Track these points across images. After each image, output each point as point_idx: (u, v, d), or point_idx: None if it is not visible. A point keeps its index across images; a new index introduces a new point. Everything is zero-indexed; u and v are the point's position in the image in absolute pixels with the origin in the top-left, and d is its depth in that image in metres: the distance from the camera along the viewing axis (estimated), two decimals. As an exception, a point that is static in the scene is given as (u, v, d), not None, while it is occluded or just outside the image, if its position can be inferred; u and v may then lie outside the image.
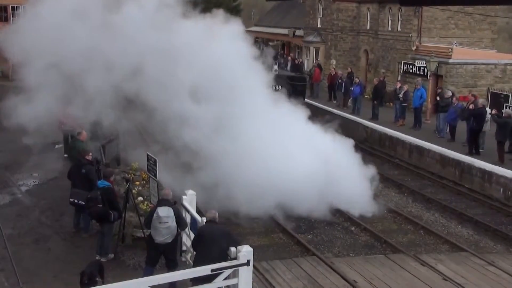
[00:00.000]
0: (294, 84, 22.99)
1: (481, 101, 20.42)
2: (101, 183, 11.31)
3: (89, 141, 14.78)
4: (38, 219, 13.41)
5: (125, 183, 12.11)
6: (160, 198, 10.16)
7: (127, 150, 17.17)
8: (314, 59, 37.57)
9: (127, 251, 11.64)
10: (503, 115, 19.03)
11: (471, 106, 19.89)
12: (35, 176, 16.80)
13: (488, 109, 20.70)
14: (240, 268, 8.27)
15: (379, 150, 23.62)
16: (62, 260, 11.24)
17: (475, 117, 19.61)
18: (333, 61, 35.72)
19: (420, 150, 21.69)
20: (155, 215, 9.73)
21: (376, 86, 26.90)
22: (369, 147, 24.14)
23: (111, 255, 11.35)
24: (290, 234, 14.05)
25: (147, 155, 12.46)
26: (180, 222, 9.88)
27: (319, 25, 38.37)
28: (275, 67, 22.56)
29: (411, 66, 30.26)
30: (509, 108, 19.72)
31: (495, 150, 19.16)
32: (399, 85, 25.92)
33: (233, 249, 8.47)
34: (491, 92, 27.64)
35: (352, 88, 27.99)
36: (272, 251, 13.25)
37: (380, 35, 34.27)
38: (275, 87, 20.60)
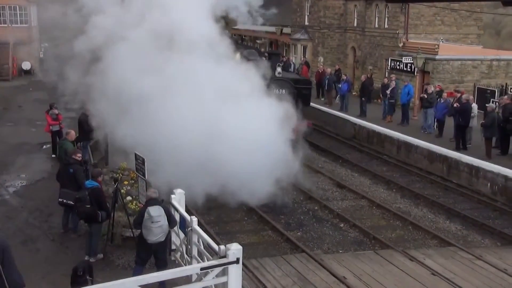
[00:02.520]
0: (299, 88, 21.05)
1: (464, 96, 20.56)
2: (89, 183, 11.28)
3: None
4: (26, 220, 13.36)
5: (113, 183, 12.08)
6: (148, 198, 10.12)
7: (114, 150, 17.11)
8: (302, 56, 37.64)
9: (116, 251, 11.63)
10: (487, 109, 19.17)
11: (455, 105, 20.02)
12: (22, 177, 16.73)
13: (474, 105, 20.86)
14: (230, 266, 8.27)
15: (367, 146, 23.72)
16: (51, 261, 11.20)
17: (461, 113, 19.76)
18: (321, 59, 35.81)
19: (408, 146, 21.80)
20: (146, 215, 9.70)
21: (363, 83, 27.00)
22: (357, 143, 24.25)
23: (100, 255, 11.33)
24: (280, 232, 14.08)
25: (135, 154, 12.43)
26: (171, 220, 9.90)
27: (306, 23, 38.44)
28: (279, 69, 20.72)
29: (398, 63, 30.42)
30: (493, 103, 19.85)
31: (482, 145, 19.33)
32: (393, 78, 26.16)
33: (222, 247, 8.47)
34: (477, 87, 27.88)
35: (340, 85, 28.09)
36: (262, 248, 13.27)
37: (367, 32, 34.39)
38: (279, 91, 19.46)
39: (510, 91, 25.24)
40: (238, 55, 23.61)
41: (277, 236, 14.00)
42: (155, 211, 9.64)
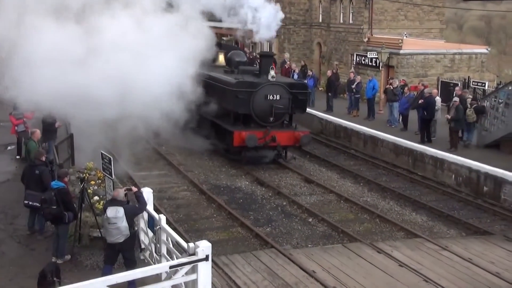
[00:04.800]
0: (294, 93, 19.39)
1: (427, 90, 20.92)
2: (55, 183, 11.12)
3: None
4: (-10, 223, 13.10)
5: (79, 183, 11.93)
6: (110, 198, 10.04)
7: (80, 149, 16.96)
8: (268, 53, 37.64)
9: (84, 252, 11.49)
10: (454, 103, 19.52)
11: (420, 101, 20.33)
12: (-14, 179, 16.38)
13: (438, 98, 21.22)
14: (199, 264, 8.27)
15: (334, 141, 23.93)
16: (17, 264, 11.01)
17: (425, 107, 20.10)
18: (287, 55, 35.93)
19: (374, 140, 22.07)
20: (104, 215, 9.66)
21: (329, 78, 27.21)
22: (324, 138, 24.44)
23: (68, 257, 11.18)
24: (249, 228, 14.12)
25: (101, 153, 12.30)
26: (130, 222, 9.73)
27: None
28: (272, 73, 18.92)
29: (363, 58, 30.73)
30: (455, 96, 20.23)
31: (446, 137, 19.71)
32: (353, 74, 26.39)
33: (191, 245, 8.46)
34: (441, 81, 28.37)
35: (306, 81, 28.23)
36: (231, 245, 13.29)
37: (333, 28, 34.65)
38: (272, 97, 18.82)
39: (472, 84, 25.79)
40: (221, 57, 23.05)
41: (246, 232, 14.03)
42: (112, 212, 9.53)
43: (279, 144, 18.99)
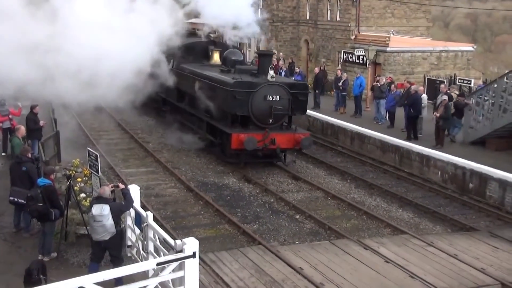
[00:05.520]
0: (295, 94, 18.56)
1: (413, 87, 21.05)
2: (42, 181, 11.06)
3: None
4: (-24, 221, 13.00)
5: (66, 180, 11.87)
6: (95, 196, 10.01)
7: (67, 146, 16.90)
8: (256, 49, 37.65)
9: (70, 249, 11.45)
10: (442, 102, 19.65)
11: (405, 101, 20.46)
12: (-30, 176, 16.25)
13: (424, 95, 21.34)
14: (186, 261, 8.26)
15: (322, 138, 23.97)
16: (3, 261, 10.94)
17: (411, 104, 20.22)
18: (274, 52, 35.92)
19: (361, 137, 22.15)
20: (89, 213, 9.63)
21: (317, 76, 27.29)
22: (312, 136, 24.41)
23: (54, 254, 11.14)
24: (236, 225, 14.13)
25: (88, 150, 12.27)
26: (116, 220, 9.69)
27: (259, 16, 38.46)
28: (271, 73, 18.08)
29: (350, 55, 30.83)
30: (441, 95, 20.39)
31: (432, 134, 19.84)
32: (339, 72, 26.45)
33: (178, 242, 8.45)
34: (427, 78, 28.55)
35: (294, 78, 28.25)
36: (219, 242, 13.29)
37: (320, 25, 34.71)
38: (272, 98, 18.03)
39: (458, 82, 25.98)
40: (216, 55, 22.37)
41: (233, 229, 14.04)
42: (97, 210, 9.49)
43: (278, 147, 18.16)
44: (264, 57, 19.46)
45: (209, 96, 19.40)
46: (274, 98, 18.09)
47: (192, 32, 25.47)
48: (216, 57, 22.40)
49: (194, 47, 23.15)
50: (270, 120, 18.30)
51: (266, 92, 18.00)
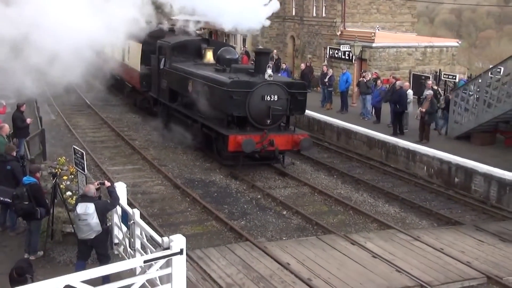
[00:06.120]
0: (293, 93, 17.80)
1: (398, 83, 21.17)
2: (27, 179, 10.99)
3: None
4: (-40, 220, 12.87)
5: (52, 178, 11.81)
6: (80, 194, 9.96)
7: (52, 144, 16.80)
8: (242, 46, 37.65)
9: (57, 248, 11.39)
10: (427, 97, 19.78)
11: (392, 97, 20.60)
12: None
13: (410, 91, 21.47)
14: (173, 258, 8.26)
15: (308, 134, 23.96)
16: (-11, 261, 10.88)
17: (397, 100, 20.34)
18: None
19: (347, 132, 22.23)
20: (74, 212, 9.59)
21: (303, 72, 27.36)
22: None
23: (40, 253, 11.08)
24: (223, 221, 14.13)
25: (74, 148, 12.20)
26: (101, 218, 9.65)
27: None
28: (269, 71, 17.34)
29: (336, 51, 30.91)
30: (426, 90, 20.54)
31: (418, 130, 19.96)
32: (325, 68, 26.49)
33: (165, 239, 8.44)
34: (412, 74, 28.70)
35: (280, 74, 28.28)
36: (206, 239, 13.29)
37: (306, 21, 34.76)
38: (270, 97, 17.25)
39: (443, 77, 26.14)
40: (209, 54, 21.37)
41: (221, 225, 14.04)
42: (81, 209, 9.44)
43: (277, 149, 17.43)
44: (260, 55, 18.46)
45: (203, 96, 18.71)
46: (272, 98, 17.35)
47: (171, 29, 25.20)
48: (209, 56, 21.45)
49: (186, 45, 22.41)
50: (268, 121, 17.58)
51: (263, 91, 17.26)
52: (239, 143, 16.83)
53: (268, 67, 17.71)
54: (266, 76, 17.33)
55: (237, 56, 21.68)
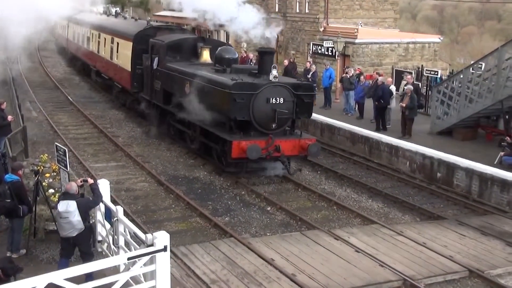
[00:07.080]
0: (299, 95, 16.70)
1: (381, 79, 21.30)
2: (9, 177, 10.90)
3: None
4: None
5: (34, 176, 11.72)
6: (62, 192, 9.90)
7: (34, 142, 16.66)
8: (225, 42, 37.54)
9: (39, 246, 11.32)
10: (404, 91, 19.93)
11: (376, 103, 20.75)
12: None
13: (392, 86, 21.60)
14: (157, 254, 8.24)
15: (292, 130, 24.03)
16: (-29, 260, 10.76)
17: (379, 96, 20.46)
18: (244, 44, 35.85)
19: (331, 128, 22.32)
20: (56, 209, 9.53)
21: (286, 68, 27.32)
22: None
23: (23, 251, 11.00)
24: (207, 218, 14.12)
25: (56, 145, 12.13)
26: (84, 216, 9.60)
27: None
28: (274, 72, 16.15)
29: (319, 47, 31.00)
30: (406, 85, 20.72)
31: (400, 125, 20.10)
32: (309, 64, 26.54)
33: (149, 235, 8.43)
34: (395, 70, 28.86)
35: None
36: (190, 235, 13.28)
37: (289, 17, 34.79)
38: (275, 100, 16.19)
39: (425, 73, 26.32)
40: (206, 53, 20.55)
41: (205, 222, 14.04)
42: (63, 206, 9.39)
43: (283, 154, 16.46)
44: (265, 55, 17.19)
45: (202, 99, 17.51)
46: (278, 100, 16.25)
47: (164, 27, 24.73)
48: (206, 55, 20.48)
49: (181, 44, 21.26)
50: (273, 125, 16.49)
51: (268, 94, 16.17)
52: (243, 150, 15.82)
53: (273, 68, 16.46)
54: (271, 77, 16.23)
55: (237, 55, 20.49)
